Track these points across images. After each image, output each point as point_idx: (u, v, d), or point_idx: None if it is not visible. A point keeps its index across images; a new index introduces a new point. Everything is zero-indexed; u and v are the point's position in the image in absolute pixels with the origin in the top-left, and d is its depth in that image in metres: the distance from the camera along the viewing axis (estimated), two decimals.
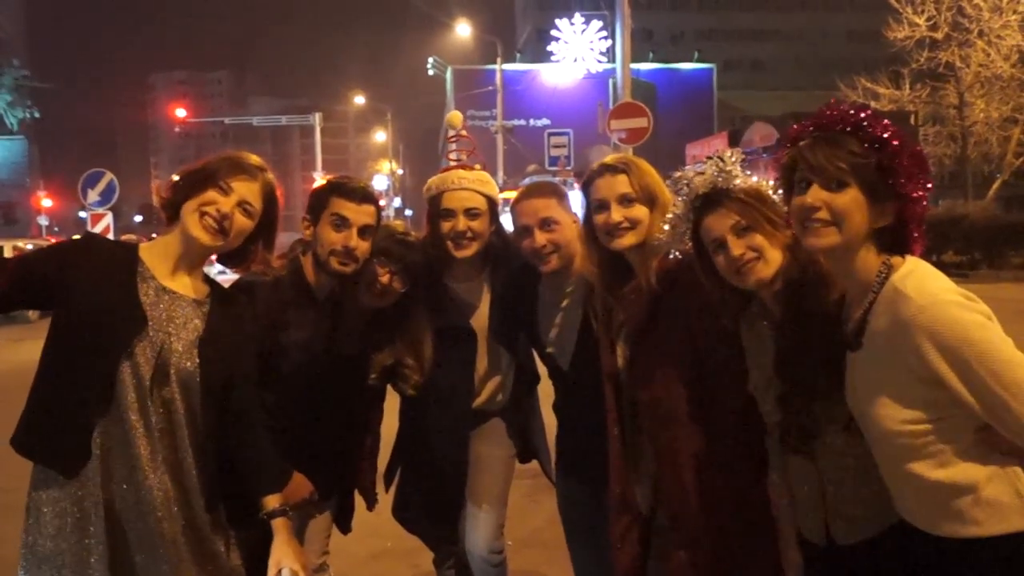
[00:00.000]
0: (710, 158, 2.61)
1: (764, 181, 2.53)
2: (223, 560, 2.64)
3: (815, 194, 2.12)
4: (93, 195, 17.20)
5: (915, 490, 2.12)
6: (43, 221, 48.62)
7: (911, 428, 2.06)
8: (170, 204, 2.63)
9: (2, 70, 60.23)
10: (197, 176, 2.62)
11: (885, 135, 2.10)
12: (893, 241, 2.15)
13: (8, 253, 22.45)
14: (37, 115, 64.87)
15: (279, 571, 2.60)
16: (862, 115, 2.14)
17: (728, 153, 2.59)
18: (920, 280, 2.06)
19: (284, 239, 3.42)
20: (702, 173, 2.57)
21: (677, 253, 2.68)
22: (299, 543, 2.73)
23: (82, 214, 18.32)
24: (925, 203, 2.14)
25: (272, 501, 2.69)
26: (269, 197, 2.70)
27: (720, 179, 2.53)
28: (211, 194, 2.58)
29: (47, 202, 52.78)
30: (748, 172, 2.57)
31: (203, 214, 2.56)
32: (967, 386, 1.95)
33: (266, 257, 2.80)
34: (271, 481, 2.73)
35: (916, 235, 2.15)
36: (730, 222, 2.48)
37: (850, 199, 2.10)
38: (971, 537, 2.03)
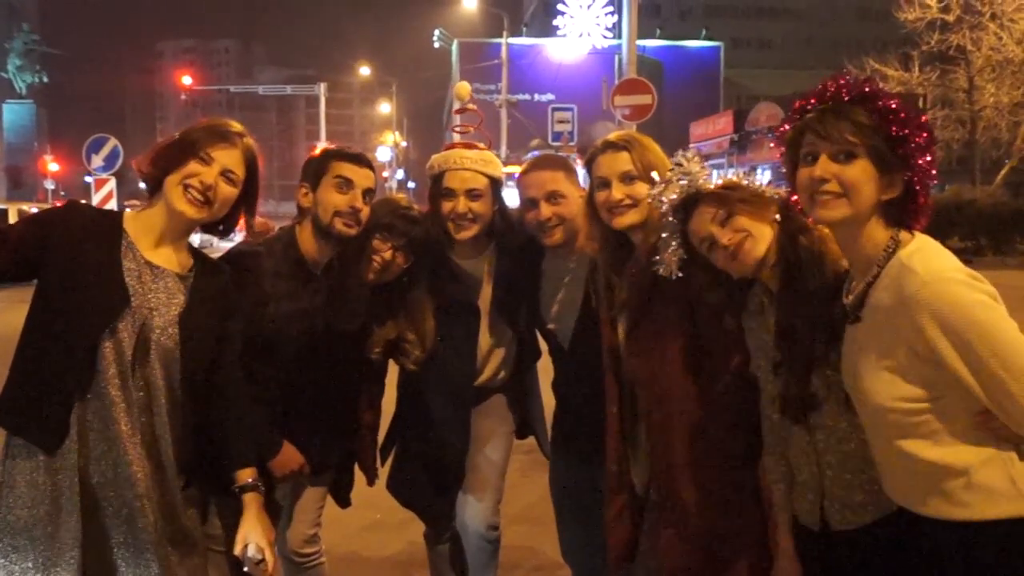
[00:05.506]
0: (672, 168, 2.65)
1: (739, 172, 2.59)
2: (195, 536, 2.64)
3: (824, 166, 2.10)
4: (97, 160, 17.05)
5: (905, 468, 2.10)
6: (50, 185, 48.57)
7: (906, 405, 2.04)
8: (152, 177, 2.59)
9: (12, 35, 60.08)
10: (177, 148, 2.57)
11: (892, 104, 2.09)
12: (901, 214, 2.13)
13: (13, 216, 22.54)
14: (46, 80, 64.76)
15: (245, 546, 2.60)
16: (867, 86, 2.13)
17: (690, 154, 2.63)
18: (927, 257, 2.04)
19: (286, 209, 3.42)
20: (669, 183, 2.61)
21: (678, 272, 2.64)
22: (268, 519, 2.72)
23: (88, 179, 18.19)
24: (934, 172, 2.12)
25: (245, 475, 2.68)
26: (251, 163, 2.66)
27: (686, 183, 2.57)
28: (193, 166, 2.54)
29: (54, 166, 52.67)
30: (710, 169, 2.63)
31: (187, 187, 2.53)
32: (968, 366, 1.93)
33: (250, 222, 2.79)
34: (246, 454, 2.71)
35: (924, 203, 2.12)
36: (709, 216, 2.50)
37: (860, 170, 2.08)
38: (961, 520, 2.01)
